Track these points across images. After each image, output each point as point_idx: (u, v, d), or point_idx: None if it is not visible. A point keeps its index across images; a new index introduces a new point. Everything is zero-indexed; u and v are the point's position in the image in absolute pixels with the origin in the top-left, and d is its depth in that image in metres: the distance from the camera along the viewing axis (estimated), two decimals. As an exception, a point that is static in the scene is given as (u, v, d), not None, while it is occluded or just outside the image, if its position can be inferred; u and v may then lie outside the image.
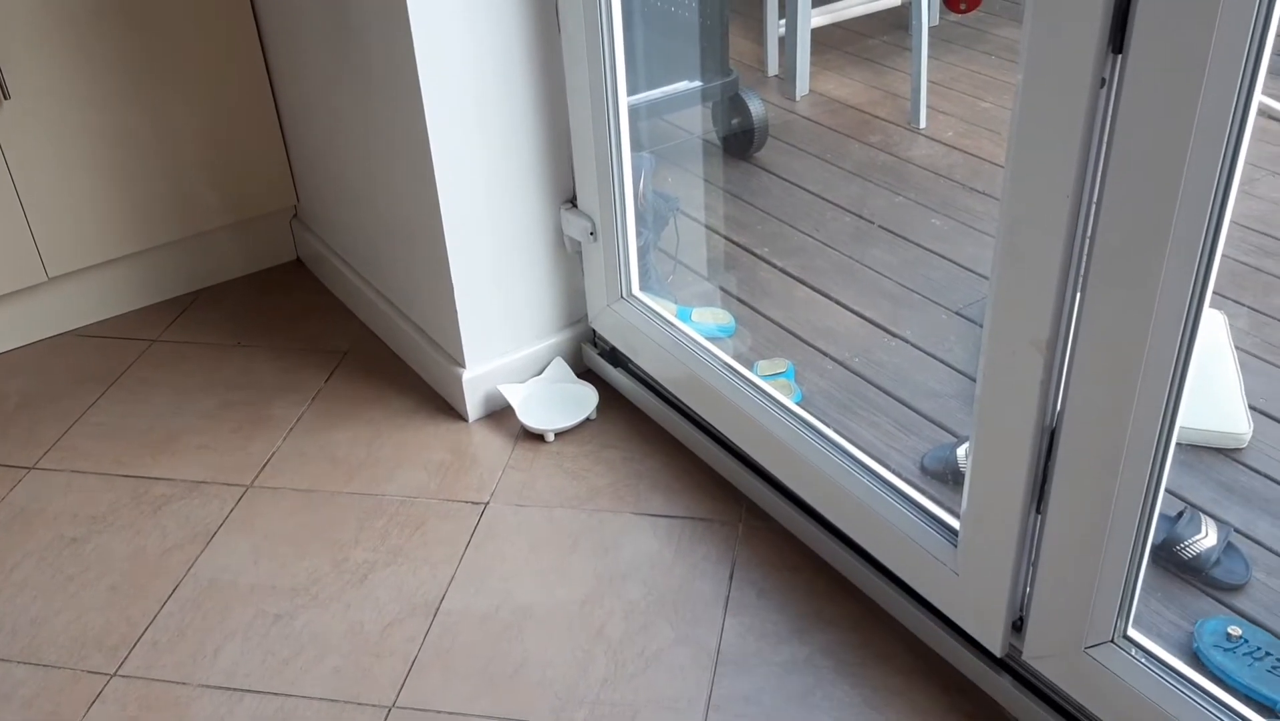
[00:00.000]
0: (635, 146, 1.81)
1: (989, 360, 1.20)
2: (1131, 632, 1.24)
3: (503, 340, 1.92)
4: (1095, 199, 1.04)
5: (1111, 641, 1.24)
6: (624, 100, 1.73)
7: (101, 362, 2.13)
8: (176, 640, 1.54)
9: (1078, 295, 1.09)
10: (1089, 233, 1.06)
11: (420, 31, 1.60)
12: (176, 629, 1.56)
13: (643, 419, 1.90)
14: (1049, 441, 1.19)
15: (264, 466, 1.85)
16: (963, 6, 1.17)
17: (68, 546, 1.71)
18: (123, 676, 1.49)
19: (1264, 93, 0.96)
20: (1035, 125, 1.05)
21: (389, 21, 1.64)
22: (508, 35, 1.69)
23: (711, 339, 1.84)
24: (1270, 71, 0.96)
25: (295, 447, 1.89)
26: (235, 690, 1.46)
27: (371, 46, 1.75)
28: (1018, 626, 1.33)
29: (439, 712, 1.42)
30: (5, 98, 1.94)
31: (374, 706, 1.43)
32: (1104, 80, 0.99)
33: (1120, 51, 0.97)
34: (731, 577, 1.59)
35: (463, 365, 1.90)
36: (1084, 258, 1.07)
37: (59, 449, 1.91)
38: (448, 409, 1.96)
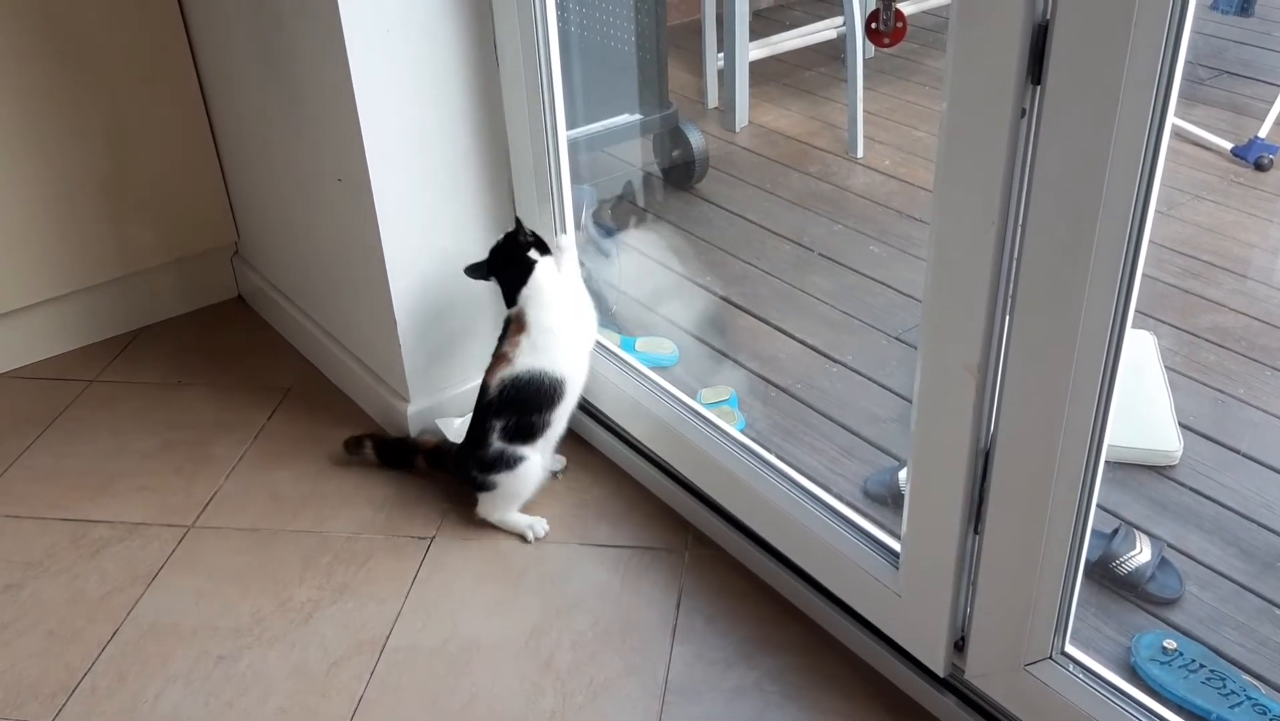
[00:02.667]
0: (576, 179, 1.82)
1: (924, 384, 1.22)
2: (1069, 649, 1.27)
3: (447, 373, 1.92)
4: (1019, 225, 1.07)
5: (1050, 658, 1.27)
6: (564, 133, 1.75)
7: (37, 405, 2.09)
8: (116, 685, 1.51)
9: (1007, 318, 1.12)
10: (1015, 257, 1.09)
11: (358, 66, 1.61)
12: (116, 673, 1.53)
13: (588, 449, 1.90)
14: (984, 462, 1.21)
15: (206, 506, 1.82)
16: (886, 41, 1.21)
17: (2, 593, 1.67)
18: (60, 724, 1.46)
19: (1183, 118, 1.00)
20: (960, 155, 1.08)
21: (326, 57, 1.64)
22: (446, 69, 1.70)
23: (655, 368, 1.85)
24: (1182, 96, 1.00)
25: (238, 486, 1.87)
26: (177, 734, 1.44)
27: (310, 83, 1.75)
28: (959, 646, 1.35)
29: (386, 750, 1.41)
30: (-65, 137, 1.92)
31: (320, 746, 1.42)
32: (1024, 110, 1.02)
33: (1039, 82, 1.00)
34: (679, 606, 1.60)
35: (407, 399, 1.90)
36: (1011, 282, 1.10)
37: (-7, 493, 1.87)
38: (392, 443, 1.96)
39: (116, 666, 1.54)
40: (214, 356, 2.22)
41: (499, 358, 1.70)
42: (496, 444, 1.68)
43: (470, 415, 1.75)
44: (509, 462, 1.68)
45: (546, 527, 1.73)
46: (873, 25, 1.22)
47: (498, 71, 1.74)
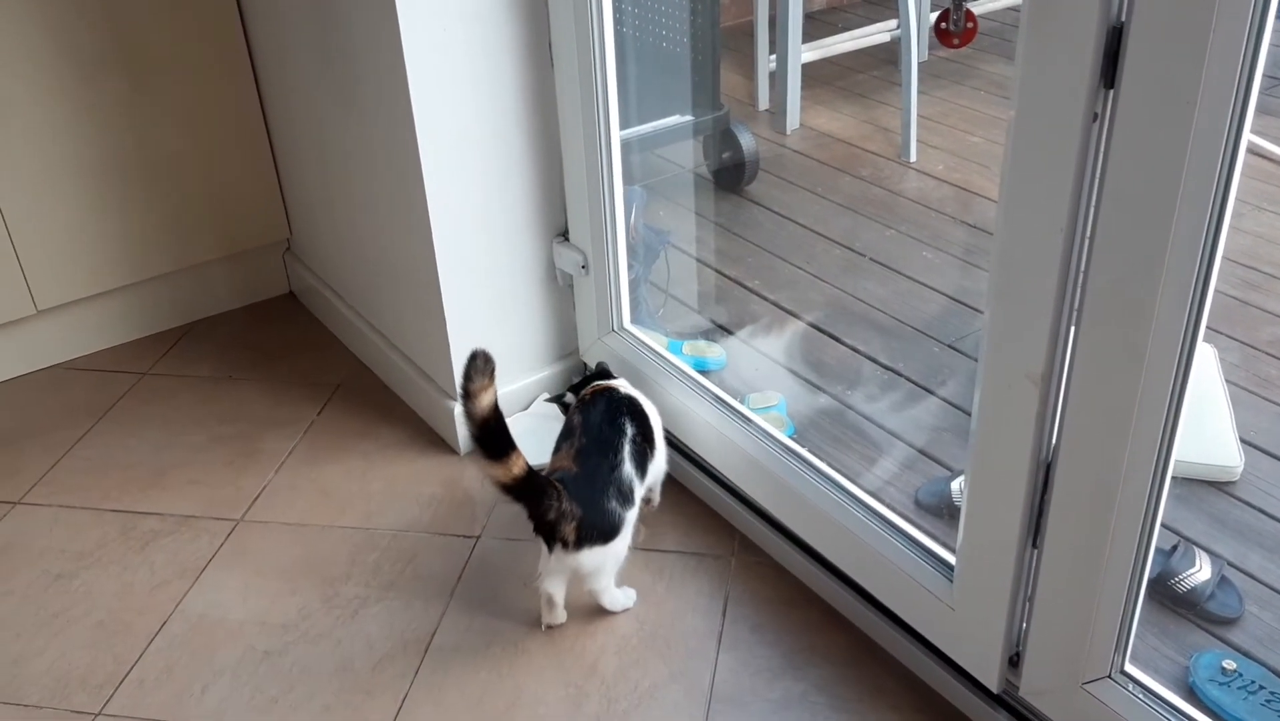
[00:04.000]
0: (627, 180, 1.81)
1: (984, 394, 1.19)
2: (1129, 668, 1.24)
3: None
4: (1088, 233, 1.04)
5: (1109, 676, 1.23)
6: (616, 134, 1.73)
7: (91, 396, 2.12)
8: (164, 678, 1.52)
9: (1072, 329, 1.10)
10: (1083, 267, 1.06)
11: (414, 64, 1.61)
12: (164, 666, 1.54)
13: (635, 452, 1.89)
14: (1045, 475, 1.18)
15: (255, 500, 1.83)
16: (955, 42, 1.18)
17: (53, 583, 1.69)
18: (107, 716, 1.47)
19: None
20: (1028, 160, 1.06)
21: (384, 56, 1.65)
22: (501, 69, 1.69)
23: (702, 372, 1.83)
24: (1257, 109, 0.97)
25: (287, 481, 1.87)
26: (223, 728, 1.44)
27: (366, 80, 1.76)
28: (1014, 662, 1.32)
29: (430, 751, 1.40)
30: (-3, 131, 1.95)
31: (364, 745, 1.41)
32: (1096, 115, 0.99)
33: (1112, 86, 0.98)
34: (725, 613, 1.58)
35: (454, 398, 1.89)
36: (1078, 292, 1.07)
37: (46, 483, 1.89)
38: (439, 442, 1.95)
39: (164, 659, 1.55)
40: (265, 352, 2.23)
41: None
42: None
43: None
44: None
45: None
46: (942, 25, 1.20)
47: (552, 72, 1.73)
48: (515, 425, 1.89)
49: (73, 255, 2.12)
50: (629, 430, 1.58)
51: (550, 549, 1.49)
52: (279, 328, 2.31)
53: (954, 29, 1.19)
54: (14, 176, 2.00)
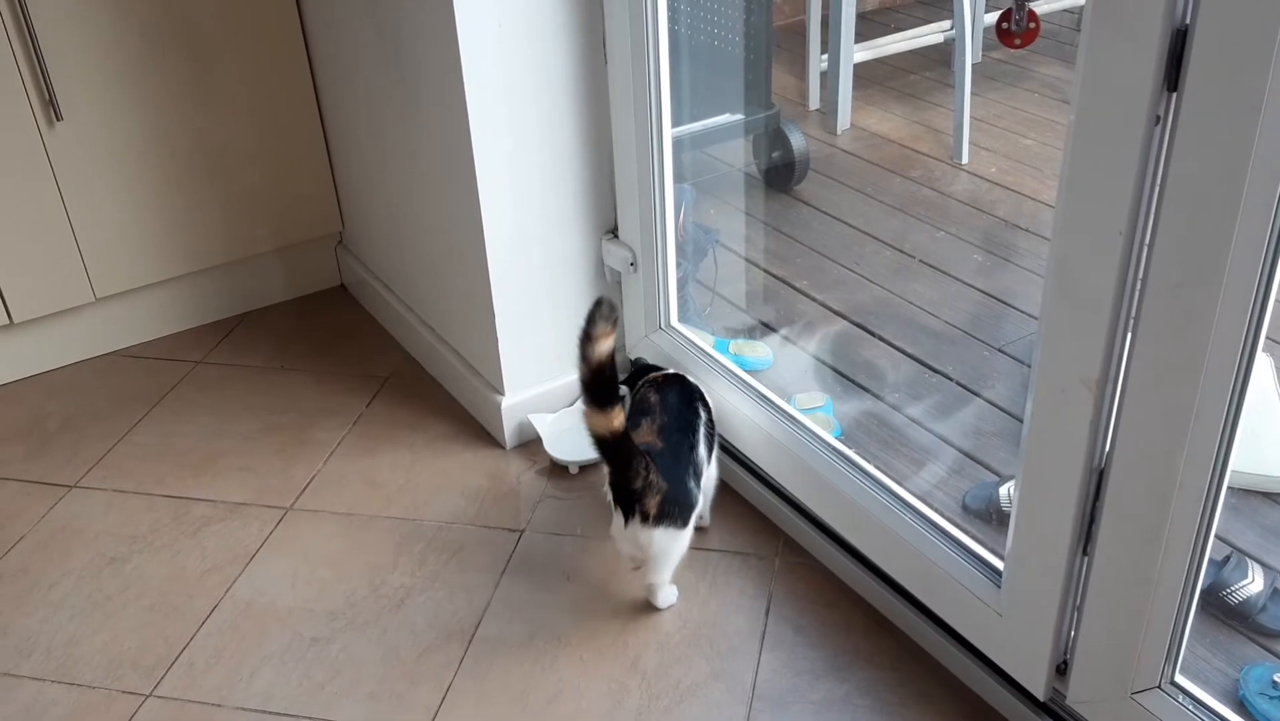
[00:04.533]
0: (677, 178, 1.81)
1: (1038, 398, 1.18)
2: (1179, 679, 1.22)
3: (542, 368, 1.92)
4: (1148, 237, 1.03)
5: (1158, 687, 1.22)
6: (668, 131, 1.74)
7: (146, 383, 2.16)
8: (213, 662, 1.54)
9: (1129, 334, 1.08)
10: (1141, 272, 1.05)
11: (469, 61, 1.62)
12: (214, 650, 1.56)
13: (680, 450, 1.89)
14: (1097, 482, 1.17)
15: (304, 489, 1.86)
16: (1017, 42, 1.17)
17: (107, 565, 1.72)
18: (158, 697, 1.49)
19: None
20: (1088, 161, 1.04)
21: (440, 51, 1.66)
22: (555, 65, 1.70)
23: (749, 372, 1.83)
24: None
25: (336, 471, 1.90)
26: (271, 713, 1.46)
27: (420, 75, 1.77)
28: (1061, 670, 1.31)
29: (473, 741, 1.42)
30: (58, 118, 1.98)
31: (408, 733, 1.43)
32: (1158, 117, 0.98)
33: (1175, 89, 0.96)
34: (768, 613, 1.58)
35: (502, 393, 1.91)
36: (1136, 295, 1.06)
37: (101, 468, 1.93)
38: (486, 435, 1.97)
39: (214, 643, 1.57)
40: (316, 343, 2.26)
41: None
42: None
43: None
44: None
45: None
46: (1004, 25, 1.18)
47: (605, 68, 1.74)
48: (560, 421, 1.91)
49: (131, 244, 2.15)
50: (702, 414, 1.59)
51: (627, 521, 1.48)
52: (330, 320, 2.34)
53: (1016, 29, 1.17)
54: (78, 165, 2.04)
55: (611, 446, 1.43)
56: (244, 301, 2.37)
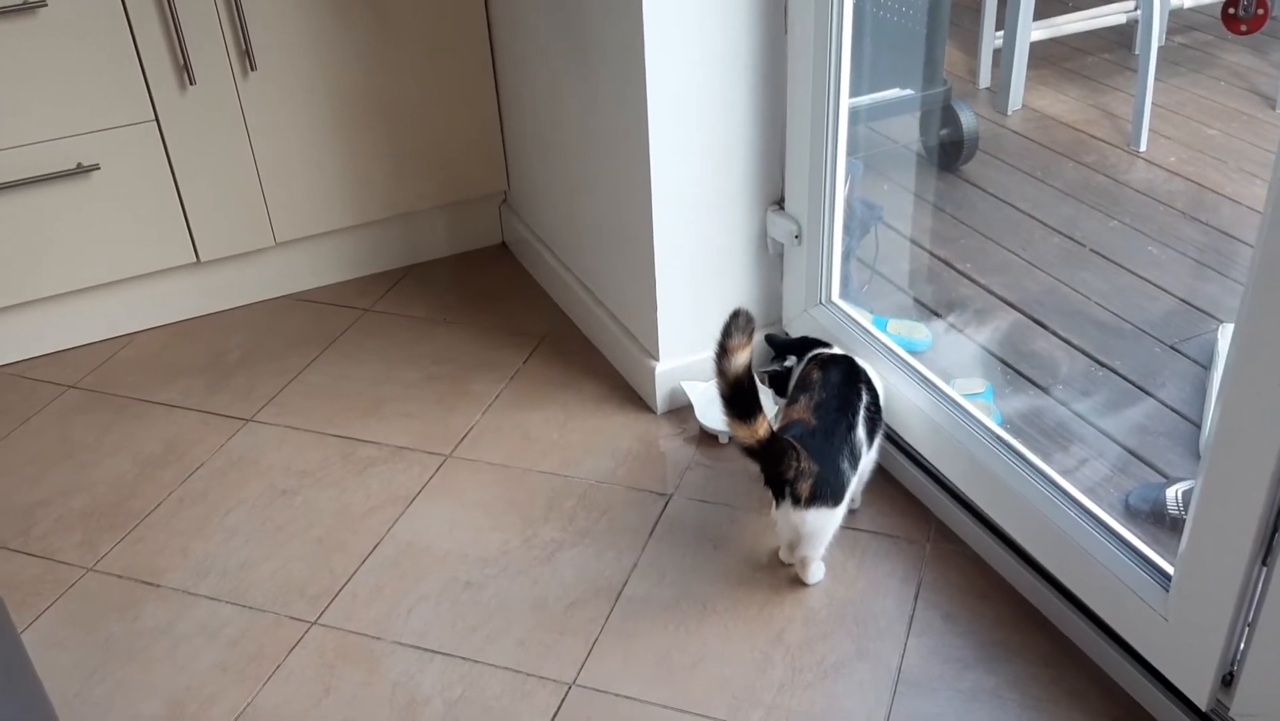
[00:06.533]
0: (846, 152, 1.79)
1: (1228, 400, 1.14)
2: (1359, 703, 1.16)
3: (697, 335, 1.93)
4: (1369, 238, 0.97)
5: (1336, 709, 1.17)
6: (845, 103, 1.71)
7: (318, 327, 2.25)
8: (374, 596, 1.61)
9: (1337, 339, 1.03)
10: (1358, 274, 0.99)
11: (652, 29, 1.63)
12: (374, 585, 1.63)
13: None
14: (1286, 491, 1.12)
15: (463, 438, 1.92)
16: (1243, 29, 1.12)
17: (279, 497, 1.81)
18: (322, 625, 1.57)
19: None
20: (1308, 156, 0.99)
21: (622, 18, 1.67)
22: (734, 32, 1.70)
23: (907, 352, 1.81)
24: None
25: (492, 423, 1.95)
26: (426, 650, 1.52)
27: (603, 42, 1.79)
28: (1227, 681, 1.26)
29: (618, 696, 1.45)
30: (252, 68, 2.07)
31: (555, 682, 1.47)
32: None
33: None
34: (917, 597, 1.57)
35: (656, 358, 1.93)
36: (1349, 300, 1.01)
37: (275, 404, 2.03)
38: (637, 399, 1.99)
39: (375, 578, 1.64)
40: (476, 298, 2.32)
41: None
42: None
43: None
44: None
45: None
46: (1230, 10, 1.13)
47: (785, 38, 1.72)
48: (711, 390, 1.91)
49: (311, 193, 2.24)
50: (865, 397, 1.58)
51: (778, 503, 1.50)
52: (491, 276, 2.40)
53: (1244, 15, 1.12)
54: (267, 115, 2.13)
55: (759, 452, 1.46)
56: (410, 254, 2.44)
